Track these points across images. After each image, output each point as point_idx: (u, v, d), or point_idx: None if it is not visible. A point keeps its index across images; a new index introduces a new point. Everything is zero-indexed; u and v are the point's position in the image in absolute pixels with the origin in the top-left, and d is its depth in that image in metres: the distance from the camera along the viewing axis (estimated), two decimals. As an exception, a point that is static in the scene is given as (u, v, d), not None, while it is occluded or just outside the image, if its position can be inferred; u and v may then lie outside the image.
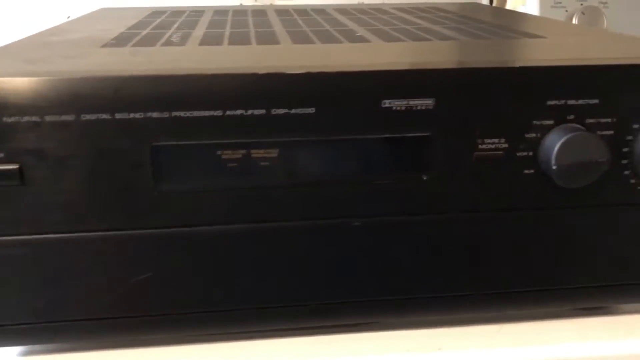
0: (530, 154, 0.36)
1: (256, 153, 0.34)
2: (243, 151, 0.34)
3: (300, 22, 0.57)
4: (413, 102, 0.34)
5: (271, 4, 0.87)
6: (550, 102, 0.35)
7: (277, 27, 0.53)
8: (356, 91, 0.33)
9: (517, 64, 0.35)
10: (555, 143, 0.35)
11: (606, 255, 0.39)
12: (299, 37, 0.46)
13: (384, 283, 0.38)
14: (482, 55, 0.42)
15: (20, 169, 0.32)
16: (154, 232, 0.34)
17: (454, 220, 0.37)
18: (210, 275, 0.36)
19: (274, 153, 0.34)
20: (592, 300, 0.41)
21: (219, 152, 0.34)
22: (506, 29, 0.52)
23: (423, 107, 0.34)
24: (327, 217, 0.36)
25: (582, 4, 0.86)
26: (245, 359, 0.38)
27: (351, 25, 0.54)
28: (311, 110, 0.33)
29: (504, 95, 0.34)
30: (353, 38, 0.46)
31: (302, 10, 0.67)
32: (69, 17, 0.83)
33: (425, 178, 0.35)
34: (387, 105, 0.33)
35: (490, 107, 0.35)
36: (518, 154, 0.35)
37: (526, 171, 0.36)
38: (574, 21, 0.86)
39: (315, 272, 0.37)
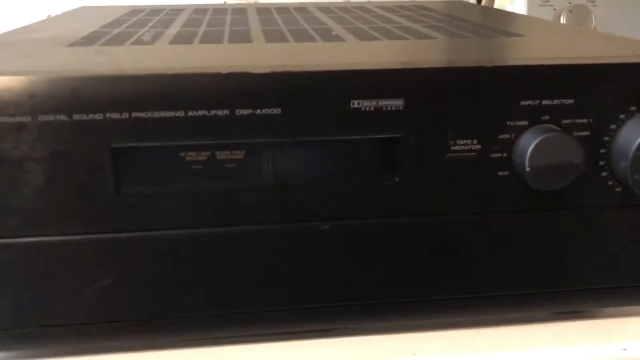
0: (505, 155, 0.35)
1: (221, 155, 0.33)
2: (207, 153, 0.33)
3: (278, 20, 0.56)
4: (382, 103, 0.33)
5: (255, 2, 0.86)
6: (524, 102, 0.34)
7: (254, 25, 0.52)
8: (324, 91, 0.32)
9: (491, 64, 0.34)
10: (529, 144, 0.34)
11: (584, 258, 0.38)
12: (273, 36, 0.45)
13: (356, 287, 0.37)
14: (457, 54, 0.41)
15: (-26, 172, 0.31)
16: (116, 236, 0.33)
17: (427, 223, 0.36)
18: (174, 281, 0.35)
19: (239, 155, 0.33)
20: (571, 304, 0.40)
21: (182, 154, 0.33)
22: (487, 27, 0.51)
23: (393, 108, 0.33)
24: (295, 221, 0.35)
25: (570, 2, 0.86)
26: (214, 366, 0.37)
27: (330, 23, 0.53)
28: (277, 110, 0.32)
29: (476, 95, 0.34)
30: (328, 37, 0.45)
31: (283, 9, 0.66)
32: (49, 15, 0.81)
33: (396, 180, 0.34)
34: (356, 105, 0.32)
35: (463, 108, 0.34)
36: (492, 156, 0.34)
37: (500, 173, 0.35)
38: (562, 20, 0.85)
39: (284, 277, 0.36)
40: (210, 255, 0.35)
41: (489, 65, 0.34)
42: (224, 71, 0.31)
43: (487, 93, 0.34)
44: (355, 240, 0.35)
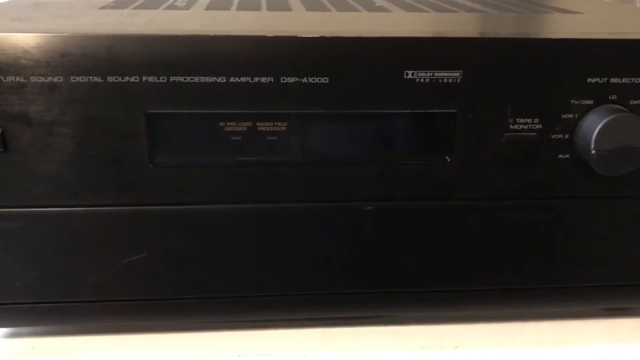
0: (566, 136, 0.32)
1: (262, 126, 0.31)
2: (248, 123, 0.30)
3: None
4: (439, 74, 0.30)
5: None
6: (590, 80, 0.31)
7: (291, -5, 0.49)
8: (376, 59, 0.30)
9: (556, 36, 0.31)
10: (594, 125, 0.31)
11: (643, 251, 0.35)
12: (313, 5, 0.43)
13: (398, 274, 0.34)
14: (514, 27, 0.38)
15: (2, 135, 0.29)
16: (148, 209, 0.31)
17: (477, 208, 0.33)
18: (207, 258, 0.33)
19: (282, 126, 0.31)
20: (623, 300, 0.38)
21: (221, 124, 0.30)
22: (536, 4, 0.48)
23: (449, 80, 0.30)
24: (337, 200, 0.32)
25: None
26: (243, 351, 0.35)
27: (370, -4, 0.50)
28: (325, 79, 0.30)
29: (539, 70, 0.31)
30: (372, 7, 0.43)
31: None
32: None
33: (448, 160, 0.32)
34: (409, 76, 0.30)
35: (524, 83, 0.31)
36: (553, 137, 0.32)
37: (561, 156, 0.32)
38: None
39: (322, 261, 0.34)
40: (244, 234, 0.33)
41: (555, 37, 0.31)
42: (270, 34, 0.29)
43: (551, 68, 0.31)
44: (400, 224, 0.33)
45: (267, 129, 0.31)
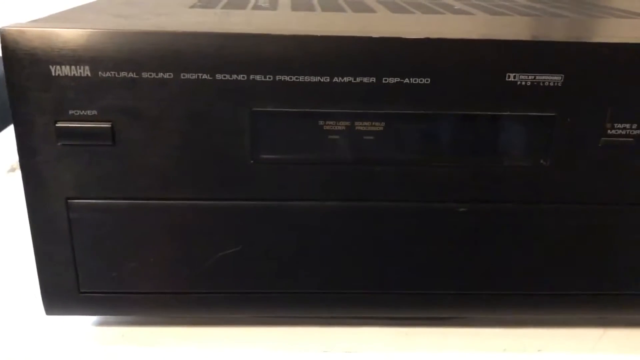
0: (665, 143, 0.32)
1: (360, 125, 0.31)
2: (347, 122, 0.31)
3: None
4: (540, 77, 0.30)
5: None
6: (693, 86, 0.31)
7: (365, -2, 0.50)
8: (478, 62, 0.30)
9: (658, 41, 0.31)
10: (695, 132, 0.31)
11: None
12: (394, 7, 0.43)
13: (486, 276, 0.35)
14: (609, 32, 0.38)
15: (112, 128, 0.30)
16: (248, 204, 0.32)
17: (572, 212, 0.33)
18: (302, 254, 0.33)
19: (379, 126, 0.31)
20: None
21: (320, 122, 0.31)
22: (613, 9, 0.48)
23: (550, 84, 0.30)
24: (432, 200, 0.33)
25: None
26: (329, 346, 0.35)
27: (442, -1, 0.51)
28: (426, 80, 0.30)
29: (638, 75, 0.31)
30: (454, 10, 0.43)
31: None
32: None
33: (544, 163, 0.32)
34: (511, 79, 0.30)
35: (624, 88, 0.31)
36: (650, 142, 0.32)
37: (658, 162, 0.32)
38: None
39: (414, 260, 0.34)
40: (339, 231, 0.33)
41: (657, 42, 0.31)
42: (375, 35, 0.30)
43: (652, 73, 0.31)
44: (494, 226, 0.33)
45: (365, 128, 0.31)
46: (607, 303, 0.36)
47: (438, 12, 0.42)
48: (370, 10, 0.42)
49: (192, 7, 0.39)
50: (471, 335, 0.37)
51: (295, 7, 0.41)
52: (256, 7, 0.41)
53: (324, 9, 0.41)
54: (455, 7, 0.45)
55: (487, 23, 0.38)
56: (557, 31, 0.37)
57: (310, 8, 0.41)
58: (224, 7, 0.40)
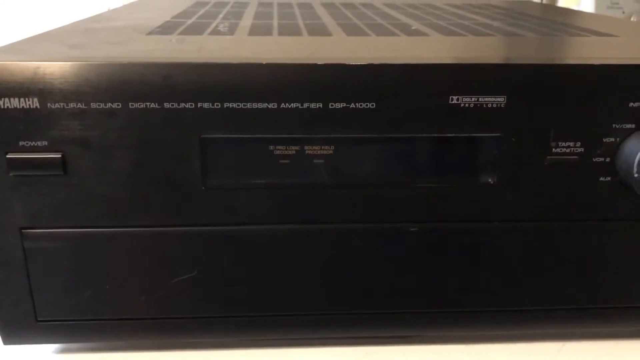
0: (608, 160, 0.32)
1: (310, 149, 0.32)
2: (297, 147, 0.31)
3: (349, 14, 0.54)
4: (483, 99, 0.31)
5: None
6: (633, 104, 0.32)
7: (326, 19, 0.51)
8: (422, 85, 0.31)
9: (598, 61, 0.32)
10: (637, 149, 0.32)
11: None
12: (352, 30, 0.44)
13: (439, 294, 0.35)
14: (555, 52, 0.39)
15: (63, 158, 0.30)
16: (199, 229, 0.32)
17: (520, 230, 0.34)
18: (255, 277, 0.34)
19: (329, 150, 0.32)
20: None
21: (271, 147, 0.31)
22: (575, 27, 0.49)
23: (494, 105, 0.31)
24: (383, 221, 0.33)
25: None
26: (289, 368, 0.35)
27: (404, 19, 0.51)
28: (372, 104, 0.31)
29: (581, 95, 0.31)
30: (409, 32, 0.44)
31: (349, 4, 0.65)
32: (109, 8, 0.82)
33: (492, 182, 0.32)
34: (454, 101, 0.31)
35: (566, 108, 0.32)
36: (594, 160, 0.32)
37: (602, 179, 0.33)
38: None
39: (366, 280, 0.34)
40: (292, 253, 0.33)
41: (597, 62, 0.32)
42: (319, 62, 0.30)
43: (593, 93, 0.31)
44: (444, 245, 0.34)
45: (315, 152, 0.32)
46: (563, 318, 0.37)
47: (394, 33, 0.43)
48: (326, 33, 0.42)
49: (149, 33, 0.40)
50: (432, 352, 0.37)
51: (253, 32, 0.42)
52: (214, 32, 0.41)
53: (281, 32, 0.42)
54: (412, 28, 0.45)
55: (438, 45, 0.39)
56: (506, 51, 0.38)
57: (268, 32, 0.42)
58: (181, 33, 0.41)
